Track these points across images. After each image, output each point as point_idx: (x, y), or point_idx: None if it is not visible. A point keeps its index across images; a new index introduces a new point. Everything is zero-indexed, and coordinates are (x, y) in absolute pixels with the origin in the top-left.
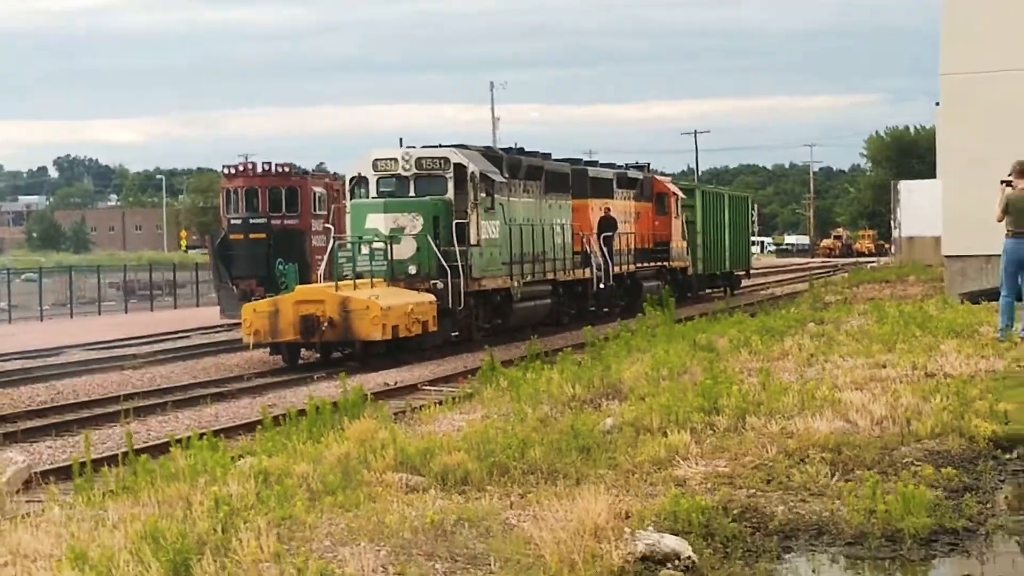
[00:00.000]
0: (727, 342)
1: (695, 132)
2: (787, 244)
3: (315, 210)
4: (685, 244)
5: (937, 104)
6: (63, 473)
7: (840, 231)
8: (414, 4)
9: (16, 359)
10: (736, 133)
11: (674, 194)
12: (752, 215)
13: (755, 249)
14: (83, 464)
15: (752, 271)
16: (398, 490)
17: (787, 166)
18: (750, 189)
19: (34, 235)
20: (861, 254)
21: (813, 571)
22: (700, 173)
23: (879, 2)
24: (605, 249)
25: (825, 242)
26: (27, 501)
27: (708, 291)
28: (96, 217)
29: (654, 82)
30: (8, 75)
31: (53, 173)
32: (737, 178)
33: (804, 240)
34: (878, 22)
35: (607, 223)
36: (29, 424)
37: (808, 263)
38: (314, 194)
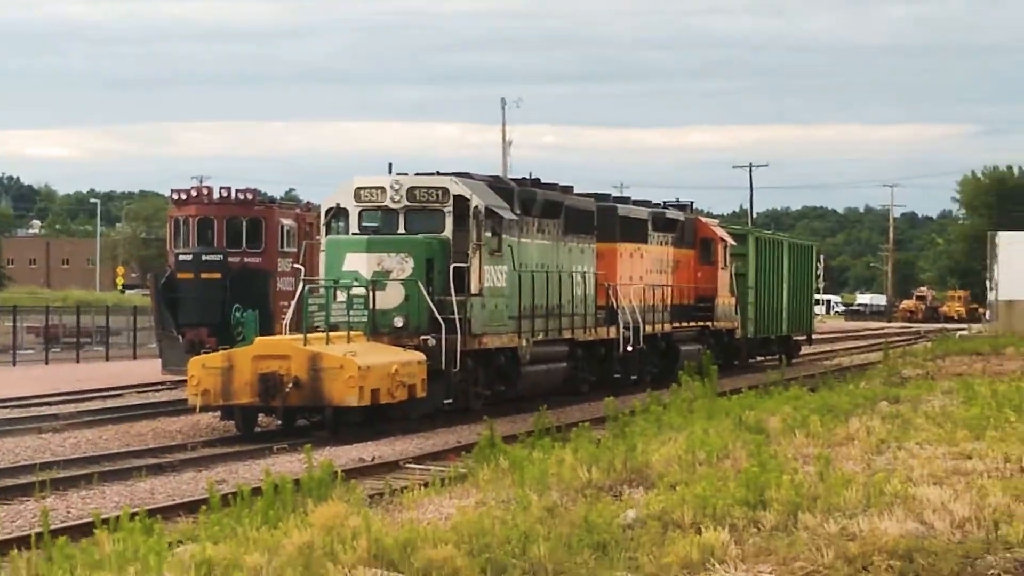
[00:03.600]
0: (780, 422)
1: (750, 166)
2: (859, 304)
3: (283, 247)
4: (734, 301)
5: None
6: None
7: (924, 291)
8: (404, 2)
9: None
10: (800, 168)
11: (722, 240)
12: (817, 268)
13: (820, 309)
14: None
15: (815, 336)
16: None
17: (862, 210)
18: (816, 236)
19: None
20: (949, 319)
21: None
22: (755, 215)
23: (969, 16)
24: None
25: (905, 303)
26: None
27: (760, 359)
28: (15, 247)
29: (696, 103)
30: None
31: None
32: (800, 222)
33: (880, 300)
34: (968, 39)
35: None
36: None
37: (884, 328)
38: (282, 227)
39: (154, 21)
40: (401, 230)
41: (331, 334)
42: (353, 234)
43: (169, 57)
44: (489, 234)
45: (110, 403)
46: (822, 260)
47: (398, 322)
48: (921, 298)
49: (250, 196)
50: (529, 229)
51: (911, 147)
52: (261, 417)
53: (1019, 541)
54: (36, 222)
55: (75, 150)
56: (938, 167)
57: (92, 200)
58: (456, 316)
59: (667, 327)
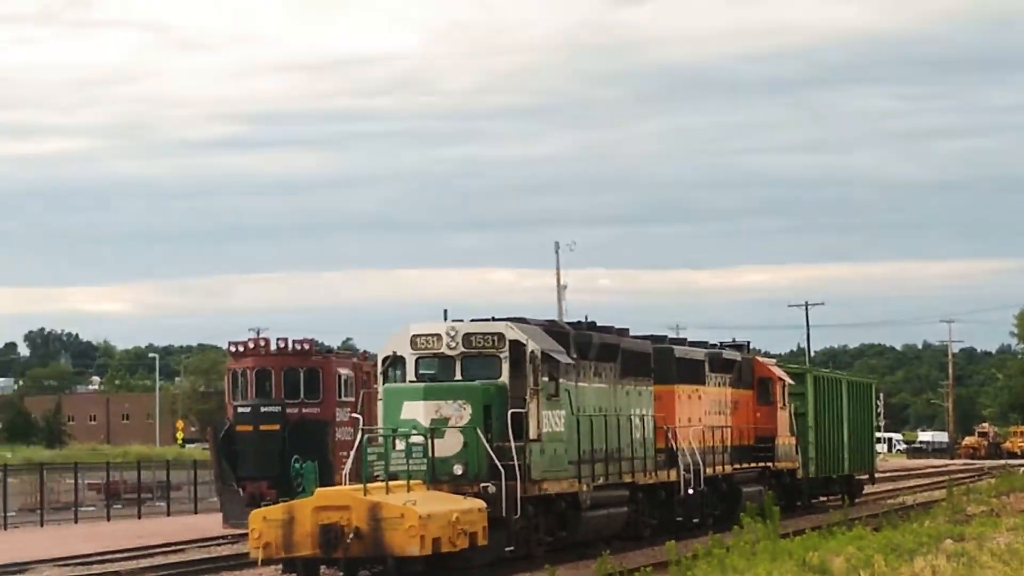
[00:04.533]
0: (843, 562)
1: (806, 304)
2: (921, 442)
3: (340, 396)
4: (794, 441)
5: None
6: None
7: (986, 427)
8: (454, 150)
9: None
10: (856, 306)
11: (780, 379)
12: (877, 406)
13: (881, 448)
14: None
15: (877, 475)
16: None
17: (920, 346)
18: (875, 374)
19: None
20: (1012, 455)
21: None
22: (812, 354)
23: (1019, 148)
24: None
25: (968, 440)
26: None
27: (822, 499)
28: (75, 403)
29: (750, 243)
30: None
31: (23, 351)
32: (858, 360)
33: (942, 437)
34: (1019, 172)
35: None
36: None
37: (947, 465)
38: (339, 377)
39: (207, 176)
40: (458, 377)
41: (391, 483)
42: (410, 382)
43: (222, 211)
44: (546, 379)
45: (172, 559)
46: (881, 398)
47: (457, 469)
48: (983, 434)
49: (307, 347)
50: (586, 373)
51: (967, 282)
52: (323, 569)
53: None
54: (96, 378)
55: (132, 306)
56: (995, 301)
57: (151, 355)
58: (515, 462)
59: (727, 468)
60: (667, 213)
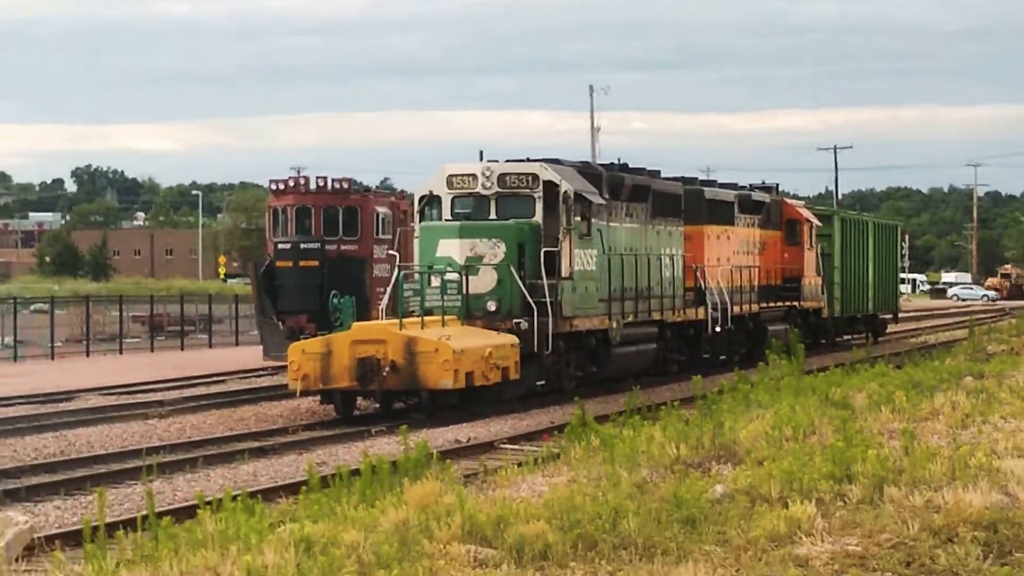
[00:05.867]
0: (865, 398)
1: (834, 148)
2: (944, 283)
3: (378, 234)
4: (820, 281)
5: None
6: (72, 538)
7: (1009, 268)
8: None
9: (21, 404)
10: (884, 149)
11: (807, 221)
12: (902, 247)
13: (905, 288)
14: (95, 528)
15: (901, 314)
16: (464, 564)
17: (946, 189)
18: (900, 216)
19: (47, 259)
20: None
21: None
22: (840, 196)
23: None
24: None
25: (990, 281)
26: (27, 570)
27: (846, 337)
28: (120, 239)
29: (782, 88)
30: (19, 72)
31: (70, 186)
32: (885, 203)
33: (965, 278)
34: None
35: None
36: (34, 480)
37: (969, 306)
38: (377, 215)
39: (252, 18)
40: (493, 216)
41: (426, 319)
42: (446, 220)
43: (266, 52)
44: (578, 218)
45: (213, 389)
46: (906, 239)
47: (491, 306)
48: (1006, 276)
49: (346, 185)
50: (618, 213)
51: (994, 127)
52: (359, 400)
53: None
54: (140, 214)
55: (177, 144)
56: (1021, 146)
57: (194, 192)
58: (547, 299)
59: (754, 307)
60: (701, 58)
